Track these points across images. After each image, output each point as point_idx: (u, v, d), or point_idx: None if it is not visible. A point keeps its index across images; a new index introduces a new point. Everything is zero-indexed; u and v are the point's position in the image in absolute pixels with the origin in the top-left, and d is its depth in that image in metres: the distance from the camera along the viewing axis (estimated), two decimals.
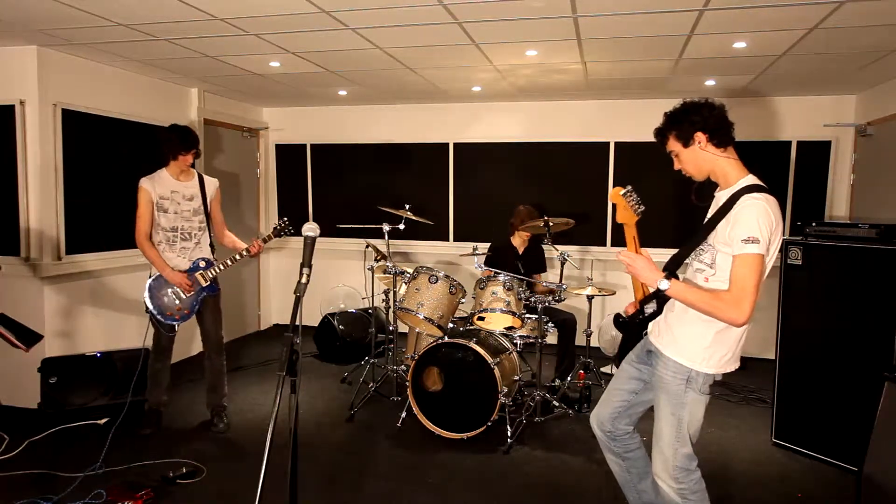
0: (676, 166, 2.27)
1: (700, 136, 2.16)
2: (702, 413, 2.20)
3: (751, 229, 1.98)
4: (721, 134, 2.16)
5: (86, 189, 4.44)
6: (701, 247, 2.18)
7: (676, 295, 2.11)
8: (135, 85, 4.91)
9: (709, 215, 2.21)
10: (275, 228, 3.89)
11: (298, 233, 2.19)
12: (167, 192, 3.74)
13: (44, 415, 3.96)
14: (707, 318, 2.10)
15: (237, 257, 3.81)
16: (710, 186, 2.28)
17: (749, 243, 1.98)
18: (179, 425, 4.06)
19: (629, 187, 2.27)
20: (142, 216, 3.68)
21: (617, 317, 2.42)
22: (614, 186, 2.31)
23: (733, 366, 2.22)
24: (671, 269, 2.20)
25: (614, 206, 2.31)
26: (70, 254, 4.33)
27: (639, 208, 2.27)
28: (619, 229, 5.88)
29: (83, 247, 4.43)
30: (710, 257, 2.14)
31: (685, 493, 2.21)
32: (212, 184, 3.95)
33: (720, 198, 2.19)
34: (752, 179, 2.15)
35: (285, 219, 3.93)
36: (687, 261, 2.26)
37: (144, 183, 3.70)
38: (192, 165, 3.84)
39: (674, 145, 2.23)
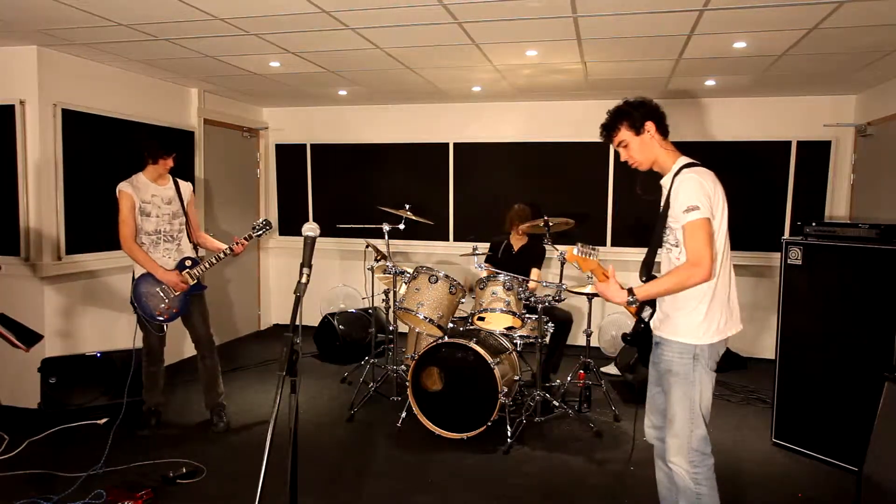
0: (623, 157, 2.46)
1: (650, 126, 2.36)
2: (711, 390, 2.30)
3: (688, 200, 2.19)
4: (664, 125, 2.40)
5: (86, 189, 4.44)
6: (665, 231, 2.35)
7: (647, 296, 2.31)
8: (135, 85, 4.91)
9: (662, 202, 2.37)
10: (254, 227, 3.86)
11: (298, 233, 2.19)
12: (148, 196, 3.75)
13: (44, 415, 3.97)
14: (694, 294, 2.25)
15: (221, 255, 3.81)
16: (653, 178, 2.45)
17: (690, 212, 2.18)
18: (179, 425, 4.06)
19: (578, 245, 2.52)
20: (126, 220, 3.67)
21: (624, 336, 2.52)
22: (568, 247, 2.60)
23: (734, 328, 2.34)
24: (649, 265, 2.38)
25: (577, 264, 2.58)
26: (70, 254, 4.33)
27: (595, 254, 2.51)
28: (619, 229, 5.88)
29: (83, 247, 4.43)
30: (675, 237, 2.30)
31: (699, 479, 2.27)
32: (186, 187, 3.97)
33: (665, 184, 2.37)
34: (684, 160, 2.35)
35: (264, 219, 3.92)
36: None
37: (125, 187, 3.70)
38: (171, 170, 3.86)
39: (625, 135, 2.41)
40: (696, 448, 2.27)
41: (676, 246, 2.29)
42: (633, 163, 2.44)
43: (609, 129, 2.46)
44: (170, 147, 3.79)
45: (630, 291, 2.28)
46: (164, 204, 3.81)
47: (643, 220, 5.76)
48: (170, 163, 3.79)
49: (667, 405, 2.34)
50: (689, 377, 2.27)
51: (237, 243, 3.81)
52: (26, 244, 4.17)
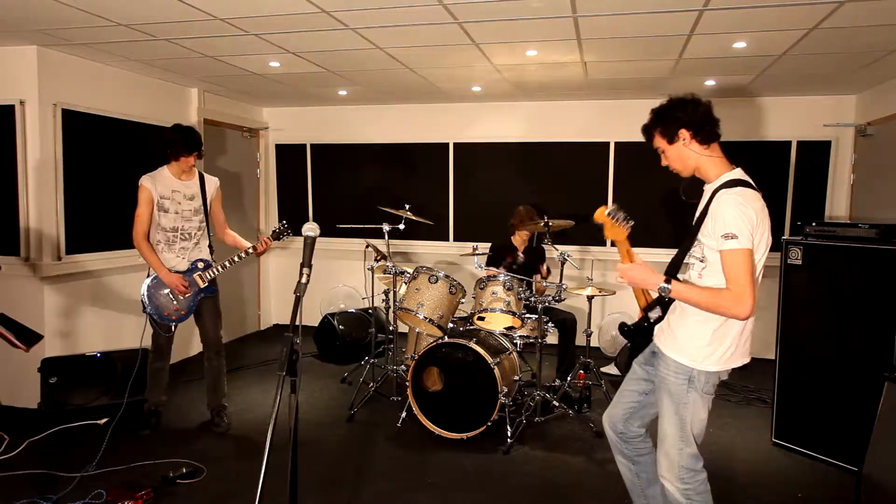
0: (663, 163, 2.30)
1: (684, 133, 2.18)
2: (705, 413, 2.20)
3: (727, 225, 2.00)
4: (705, 131, 2.17)
5: (86, 189, 4.44)
6: (694, 241, 2.20)
7: (679, 295, 2.12)
8: (135, 85, 4.91)
9: (698, 212, 2.23)
10: (274, 231, 3.85)
11: (299, 233, 2.19)
12: (168, 191, 3.72)
13: (44, 415, 3.96)
14: (705, 316, 2.12)
15: (236, 259, 3.78)
16: (697, 182, 2.29)
17: (728, 239, 2.00)
18: (179, 425, 4.06)
19: (614, 206, 2.30)
20: (141, 215, 3.65)
21: (622, 326, 2.43)
22: (598, 208, 2.36)
23: (740, 360, 2.20)
24: (672, 272, 2.22)
25: (600, 226, 2.35)
26: (70, 254, 4.32)
27: (627, 224, 2.28)
28: None
29: (83, 247, 4.43)
30: (701, 252, 2.16)
31: (690, 494, 2.20)
32: (212, 183, 3.94)
33: (707, 192, 2.21)
34: (733, 174, 2.16)
35: (284, 222, 3.91)
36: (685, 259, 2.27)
37: (145, 181, 3.66)
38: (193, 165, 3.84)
39: (659, 142, 2.25)
40: (685, 466, 2.20)
41: (702, 262, 2.15)
42: (672, 170, 2.28)
43: (646, 133, 2.28)
44: (192, 145, 3.71)
45: (667, 281, 2.10)
46: (185, 200, 3.77)
47: (643, 221, 5.76)
48: (192, 160, 3.74)
49: (659, 419, 2.27)
50: (683, 398, 2.17)
51: (262, 241, 3.79)
52: (26, 244, 4.17)
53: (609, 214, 2.29)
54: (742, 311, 2.01)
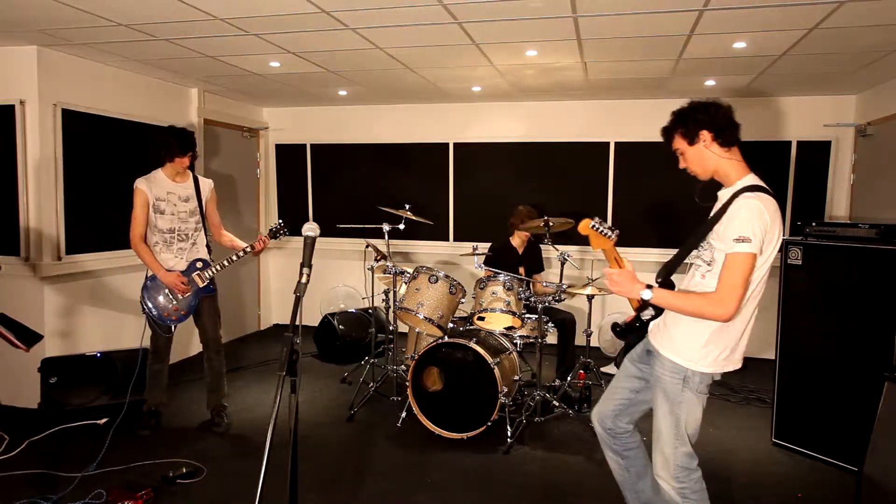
0: (681, 165, 2.30)
1: (705, 135, 2.18)
2: (699, 412, 2.21)
3: (742, 229, 2.01)
4: (726, 134, 2.18)
5: (86, 189, 4.44)
6: (702, 244, 2.20)
7: (660, 303, 2.15)
8: (135, 85, 4.91)
9: (712, 214, 2.22)
10: (271, 230, 3.89)
11: (298, 233, 2.19)
12: (163, 193, 3.73)
13: (44, 415, 3.96)
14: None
15: (234, 258, 3.80)
16: (713, 187, 2.29)
17: (740, 242, 2.01)
18: (179, 425, 4.06)
19: (596, 219, 2.33)
20: (137, 218, 3.67)
21: (614, 326, 2.44)
22: (582, 219, 2.39)
23: (733, 365, 2.21)
24: (671, 269, 2.23)
25: (587, 236, 2.39)
26: (70, 254, 4.32)
27: (611, 233, 2.32)
28: (618, 229, 5.86)
29: (83, 247, 4.43)
30: (710, 255, 2.16)
31: (685, 493, 2.21)
32: (206, 185, 3.95)
33: (722, 197, 2.21)
34: (752, 179, 2.17)
35: (281, 221, 3.94)
36: (688, 259, 2.27)
37: (140, 184, 3.68)
38: (191, 167, 3.84)
39: (679, 143, 2.25)
40: (679, 464, 2.20)
41: (708, 265, 2.15)
42: (690, 172, 2.28)
43: (666, 135, 2.29)
44: (186, 146, 3.73)
45: (649, 288, 2.13)
46: (180, 202, 3.78)
47: (642, 221, 5.76)
48: (186, 161, 3.75)
49: (653, 417, 2.28)
50: (678, 398, 2.19)
51: (259, 240, 3.80)
52: (26, 244, 4.17)
53: (593, 227, 2.33)
54: (724, 313, 2.02)
